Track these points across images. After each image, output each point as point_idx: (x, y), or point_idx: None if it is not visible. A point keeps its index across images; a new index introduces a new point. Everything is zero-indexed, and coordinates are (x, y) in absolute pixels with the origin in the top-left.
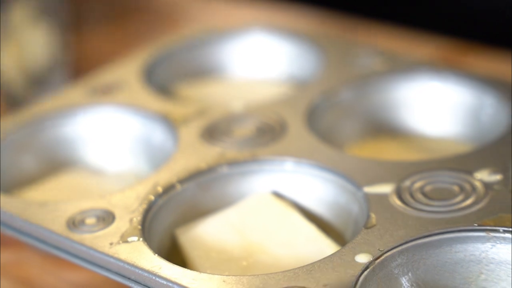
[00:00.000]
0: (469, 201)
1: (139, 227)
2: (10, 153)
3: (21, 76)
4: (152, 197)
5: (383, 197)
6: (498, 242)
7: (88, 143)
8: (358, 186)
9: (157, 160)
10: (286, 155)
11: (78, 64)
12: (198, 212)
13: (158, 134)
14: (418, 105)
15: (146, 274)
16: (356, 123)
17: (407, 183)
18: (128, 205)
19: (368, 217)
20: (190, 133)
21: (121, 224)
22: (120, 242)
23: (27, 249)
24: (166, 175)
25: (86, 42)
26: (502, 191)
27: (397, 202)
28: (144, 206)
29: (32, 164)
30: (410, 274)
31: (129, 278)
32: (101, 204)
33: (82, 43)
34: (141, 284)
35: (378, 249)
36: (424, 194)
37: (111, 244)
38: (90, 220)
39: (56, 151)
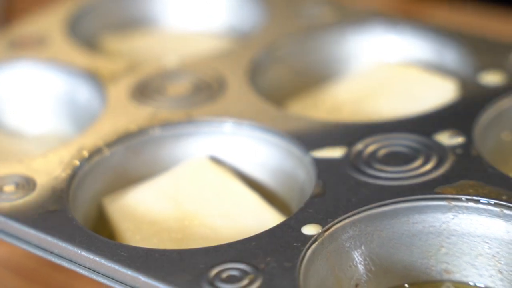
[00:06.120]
0: (428, 167)
1: (63, 195)
2: None
3: None
4: (77, 162)
5: (332, 162)
6: (460, 212)
7: (5, 102)
8: (305, 150)
9: (83, 121)
10: (225, 115)
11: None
12: (127, 179)
13: (83, 93)
14: (371, 60)
15: (70, 248)
16: (302, 80)
17: (359, 146)
18: (50, 171)
19: (316, 184)
20: (119, 91)
21: (42, 192)
22: (42, 212)
23: None
24: (92, 138)
25: None
26: (464, 155)
27: (348, 168)
28: (68, 172)
29: None
30: (363, 248)
31: (51, 252)
32: (21, 169)
33: None
34: (65, 258)
35: (328, 220)
36: (378, 159)
37: (31, 214)
38: (9, 188)
39: None
